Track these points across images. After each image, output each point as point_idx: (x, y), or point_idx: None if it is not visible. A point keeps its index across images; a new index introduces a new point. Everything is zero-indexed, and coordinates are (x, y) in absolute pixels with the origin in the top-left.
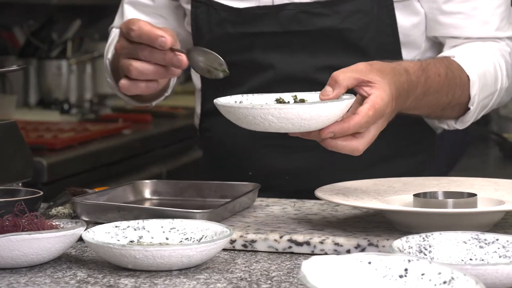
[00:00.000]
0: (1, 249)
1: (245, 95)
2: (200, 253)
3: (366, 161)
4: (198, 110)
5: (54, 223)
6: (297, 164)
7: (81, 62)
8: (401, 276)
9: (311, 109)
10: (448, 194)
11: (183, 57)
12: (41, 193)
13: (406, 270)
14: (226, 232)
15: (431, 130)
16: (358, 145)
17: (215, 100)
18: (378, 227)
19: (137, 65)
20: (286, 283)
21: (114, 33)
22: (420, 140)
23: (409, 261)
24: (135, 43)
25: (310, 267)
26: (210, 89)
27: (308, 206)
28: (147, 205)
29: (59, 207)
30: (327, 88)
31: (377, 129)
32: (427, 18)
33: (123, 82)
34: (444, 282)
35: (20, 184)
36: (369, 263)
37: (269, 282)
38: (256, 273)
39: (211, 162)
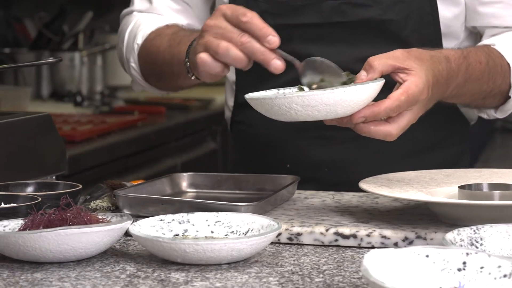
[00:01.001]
0: (50, 243)
1: (281, 89)
2: (250, 246)
3: (404, 152)
4: (230, 102)
5: (100, 217)
6: (336, 156)
7: (92, 54)
8: (459, 270)
9: (334, 94)
10: (494, 186)
11: (280, 65)
12: (80, 186)
13: (464, 263)
14: (273, 226)
15: (465, 120)
16: (390, 130)
17: (246, 95)
18: (422, 219)
19: (229, 46)
20: (339, 277)
21: (138, 18)
22: (456, 131)
23: (467, 254)
24: (236, 28)
25: (370, 261)
26: (246, 81)
27: (347, 198)
28: (184, 198)
29: (98, 201)
30: (362, 72)
31: (413, 116)
32: (467, 9)
33: (204, 56)
34: (505, 276)
35: (54, 177)
36: (427, 256)
37: (321, 276)
38: (306, 266)
39: (245, 155)
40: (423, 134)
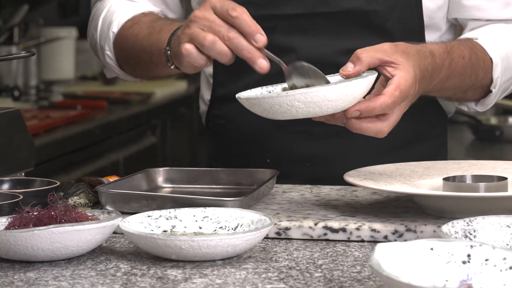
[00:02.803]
0: (42, 241)
1: (264, 88)
2: (246, 242)
3: (386, 147)
4: (206, 96)
5: (89, 214)
6: (319, 151)
7: (27, 48)
8: (464, 262)
9: (337, 89)
10: (478, 178)
11: (266, 65)
12: (58, 183)
13: (469, 256)
14: (265, 220)
15: (444, 113)
16: (382, 127)
17: (237, 95)
18: (408, 212)
19: (215, 39)
20: (338, 271)
21: (111, 4)
22: (436, 124)
23: (471, 246)
24: (224, 22)
25: (380, 255)
26: (224, 75)
27: (325, 192)
28: (161, 193)
29: (75, 197)
30: (349, 64)
31: (401, 111)
32: (450, 0)
33: (190, 47)
34: (510, 268)
35: (23, 174)
36: (431, 249)
37: (319, 270)
38: (301, 261)
39: (222, 150)
40: (404, 128)
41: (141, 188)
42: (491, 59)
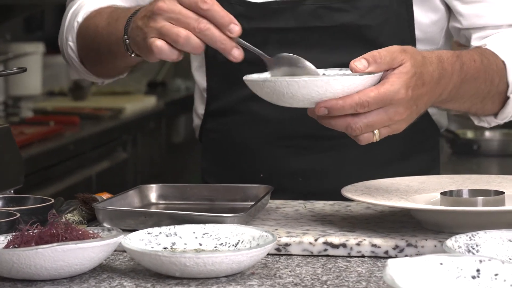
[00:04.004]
0: (46, 259)
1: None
2: (251, 258)
3: (379, 161)
4: (200, 110)
5: (90, 232)
6: (312, 166)
7: None
8: (473, 277)
9: (337, 82)
10: (475, 192)
11: (240, 54)
12: (53, 200)
13: (478, 270)
14: (267, 236)
15: (436, 128)
16: (350, 122)
17: (247, 77)
18: (405, 226)
19: (189, 35)
20: (344, 287)
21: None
22: (428, 138)
23: (480, 261)
24: (192, 12)
25: (393, 271)
26: (218, 88)
27: (319, 207)
28: (154, 209)
29: (69, 214)
30: (363, 61)
31: (387, 117)
32: (451, 11)
33: (161, 43)
34: None
35: (12, 191)
36: (441, 264)
37: (325, 286)
38: (306, 277)
39: (216, 164)
40: (397, 143)
41: (135, 204)
42: (503, 62)
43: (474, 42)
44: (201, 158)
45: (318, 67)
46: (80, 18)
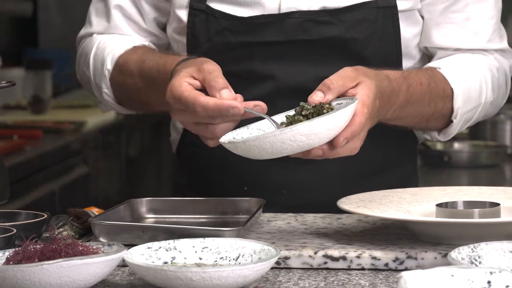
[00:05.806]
0: (51, 275)
1: (234, 131)
2: (256, 272)
3: (361, 173)
4: (179, 124)
5: (92, 247)
6: (295, 178)
7: None
8: None
9: (337, 116)
10: (470, 204)
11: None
12: (46, 215)
13: (489, 282)
14: (269, 250)
15: (415, 140)
16: (355, 143)
17: (223, 140)
18: (401, 238)
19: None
20: None
21: (99, 40)
22: (408, 150)
23: (491, 273)
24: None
25: (409, 284)
26: None
27: (310, 220)
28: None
29: (60, 230)
30: (318, 93)
31: (368, 127)
32: (423, 29)
33: (214, 143)
34: None
35: None
36: (452, 276)
37: None
38: None
39: (195, 178)
40: (378, 155)
41: (126, 219)
42: (452, 89)
43: (434, 60)
44: (177, 172)
45: (304, 80)
46: (109, 66)
